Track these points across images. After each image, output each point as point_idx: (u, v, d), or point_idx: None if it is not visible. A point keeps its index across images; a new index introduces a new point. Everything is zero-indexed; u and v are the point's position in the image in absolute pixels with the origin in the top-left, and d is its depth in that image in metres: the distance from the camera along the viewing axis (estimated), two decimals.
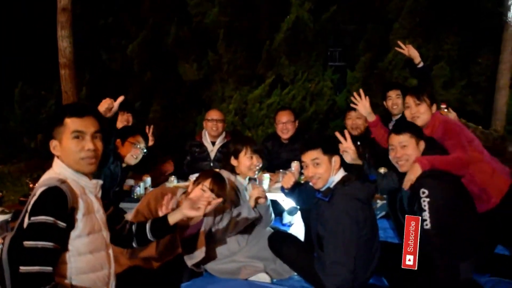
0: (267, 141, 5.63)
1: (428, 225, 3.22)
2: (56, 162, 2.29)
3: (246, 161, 3.86)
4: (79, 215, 2.18)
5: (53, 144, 2.27)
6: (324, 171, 3.27)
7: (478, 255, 3.49)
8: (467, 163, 3.59)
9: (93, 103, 3.93)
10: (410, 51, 4.86)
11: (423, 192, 3.26)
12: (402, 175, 3.55)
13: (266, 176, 4.56)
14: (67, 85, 7.04)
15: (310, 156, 3.29)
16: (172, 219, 2.61)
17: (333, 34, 8.34)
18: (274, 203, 4.55)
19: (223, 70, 7.87)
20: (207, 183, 3.37)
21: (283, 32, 7.62)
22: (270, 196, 4.38)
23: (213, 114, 5.37)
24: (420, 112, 3.85)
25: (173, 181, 4.64)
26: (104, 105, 3.75)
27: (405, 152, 3.48)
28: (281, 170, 4.77)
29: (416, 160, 3.42)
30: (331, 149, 3.34)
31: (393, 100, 5.04)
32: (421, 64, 4.86)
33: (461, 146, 3.63)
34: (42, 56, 8.20)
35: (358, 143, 5.11)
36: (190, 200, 2.67)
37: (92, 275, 2.24)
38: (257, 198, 3.75)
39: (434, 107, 3.88)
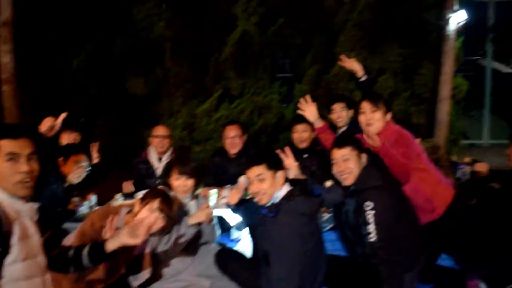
0: (215, 156, 5.60)
1: (373, 238, 3.25)
2: None
3: (174, 181, 3.82)
4: (14, 240, 2.10)
5: None
6: (268, 186, 3.27)
7: (422, 265, 3.56)
8: (409, 174, 3.66)
9: (36, 120, 3.84)
10: (353, 64, 4.90)
11: (368, 205, 3.30)
12: (346, 188, 3.59)
13: (214, 191, 4.53)
14: (8, 102, 6.83)
15: (254, 172, 3.29)
16: (111, 245, 2.53)
17: (281, 47, 8.36)
18: (222, 218, 4.53)
19: (170, 84, 7.81)
20: (156, 203, 3.32)
21: (230, 46, 7.63)
22: (218, 212, 4.36)
23: (159, 130, 5.31)
24: (374, 119, 3.86)
25: (118, 199, 4.56)
26: (46, 124, 3.67)
27: (347, 166, 3.52)
28: (228, 185, 4.75)
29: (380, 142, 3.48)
30: (275, 164, 3.35)
31: (338, 113, 5.07)
32: (363, 78, 4.91)
33: (408, 157, 3.70)
34: None
35: (305, 156, 5.15)
36: (130, 227, 2.60)
37: None
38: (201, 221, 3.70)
39: (388, 115, 3.91)
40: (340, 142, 3.66)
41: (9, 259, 2.08)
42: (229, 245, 4.81)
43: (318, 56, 8.07)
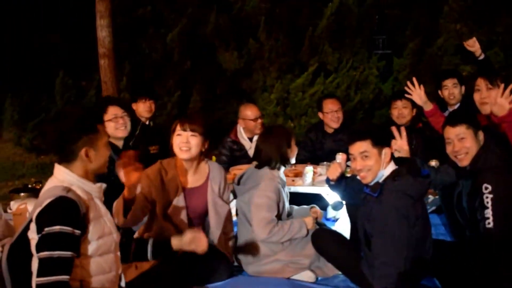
0: (310, 131, 5.44)
1: (490, 223, 2.99)
2: (59, 169, 2.28)
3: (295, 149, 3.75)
4: (90, 220, 2.21)
5: (87, 152, 2.26)
6: (373, 164, 3.03)
7: None
8: None
9: (133, 93, 3.83)
10: (474, 44, 4.62)
11: (486, 188, 3.03)
12: (460, 169, 3.31)
13: (309, 168, 4.36)
14: (106, 75, 7.00)
15: (358, 148, 3.06)
16: (176, 245, 2.64)
17: (378, 19, 8.10)
18: (318, 196, 4.37)
19: (265, 58, 7.74)
20: None
21: (326, 18, 7.47)
22: (314, 189, 4.22)
23: (251, 113, 5.07)
24: (490, 98, 3.58)
25: None
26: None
27: (464, 145, 3.22)
28: (325, 162, 4.58)
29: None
30: (382, 141, 3.10)
31: (450, 89, 4.79)
32: (482, 57, 4.62)
33: None
34: (82, 46, 8.20)
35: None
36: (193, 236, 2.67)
37: (101, 277, 2.28)
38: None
39: None
40: (454, 119, 3.36)
41: (85, 238, 2.21)
42: (326, 225, 4.66)
43: (419, 28, 7.69)
